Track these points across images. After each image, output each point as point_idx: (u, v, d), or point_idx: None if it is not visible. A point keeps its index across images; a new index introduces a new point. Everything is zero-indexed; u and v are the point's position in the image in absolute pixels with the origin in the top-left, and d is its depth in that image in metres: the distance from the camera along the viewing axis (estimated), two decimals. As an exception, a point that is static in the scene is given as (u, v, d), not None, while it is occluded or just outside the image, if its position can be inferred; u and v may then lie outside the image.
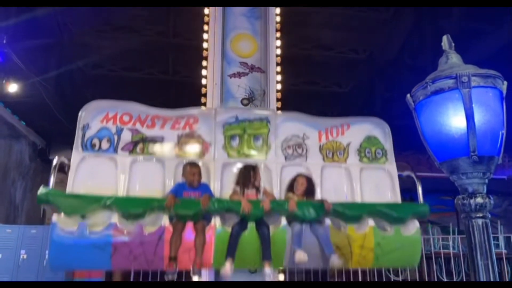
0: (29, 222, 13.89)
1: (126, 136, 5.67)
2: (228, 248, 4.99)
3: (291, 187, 5.59)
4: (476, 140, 2.88)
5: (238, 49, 7.07)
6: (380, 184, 6.05)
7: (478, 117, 2.92)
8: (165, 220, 5.14)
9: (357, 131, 6.28)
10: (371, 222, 5.53)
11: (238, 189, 5.40)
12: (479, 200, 2.89)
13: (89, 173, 5.43)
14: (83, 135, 5.60)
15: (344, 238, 5.40)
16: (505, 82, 2.98)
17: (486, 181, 2.92)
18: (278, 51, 7.08)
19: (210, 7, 7.17)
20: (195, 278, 5.26)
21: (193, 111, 5.99)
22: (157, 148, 5.72)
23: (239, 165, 5.66)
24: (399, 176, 6.07)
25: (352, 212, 5.52)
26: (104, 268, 5.39)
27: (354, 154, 6.19)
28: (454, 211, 17.80)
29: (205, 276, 5.89)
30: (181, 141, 5.79)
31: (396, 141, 14.22)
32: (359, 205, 5.68)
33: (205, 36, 7.04)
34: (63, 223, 5.01)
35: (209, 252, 5.15)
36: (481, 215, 2.88)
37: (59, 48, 12.21)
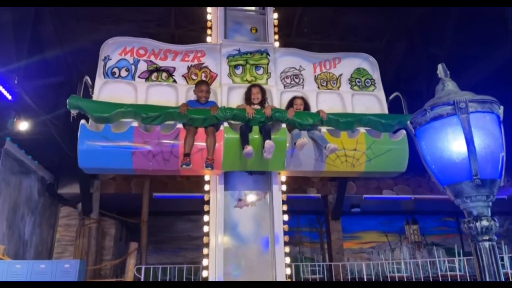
0: (38, 257, 14.24)
1: (142, 66, 6.67)
2: (241, 140, 5.91)
3: (289, 107, 6.43)
4: (477, 164, 2.91)
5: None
6: (370, 107, 6.93)
7: (478, 142, 2.95)
8: (179, 126, 6.06)
9: (348, 64, 7.25)
10: (362, 129, 6.42)
11: (244, 104, 6.40)
12: (485, 223, 2.88)
13: (110, 95, 6.33)
14: (105, 65, 6.59)
15: (339, 143, 6.22)
16: (501, 107, 3.09)
17: (490, 203, 2.97)
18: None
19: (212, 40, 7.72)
20: (209, 171, 6.11)
21: (201, 45, 7.05)
22: (169, 77, 6.67)
23: (244, 87, 6.59)
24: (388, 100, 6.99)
25: (344, 119, 6.36)
26: (126, 168, 5.97)
27: (346, 83, 7.11)
28: (457, 233, 18.13)
29: (216, 181, 6.31)
30: (190, 71, 6.77)
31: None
32: (351, 114, 6.58)
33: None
34: (90, 127, 5.95)
35: (219, 155, 6.04)
36: (487, 237, 2.87)
37: (68, 86, 12.71)
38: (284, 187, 6.68)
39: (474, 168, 2.91)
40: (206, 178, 6.65)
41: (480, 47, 11.46)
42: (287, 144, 6.15)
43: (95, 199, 15.55)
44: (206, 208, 6.51)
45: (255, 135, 6.08)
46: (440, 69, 3.35)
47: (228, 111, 6.10)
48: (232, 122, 6.22)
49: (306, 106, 6.61)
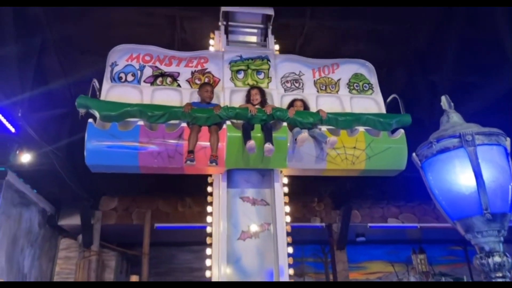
0: (37, 291, 14.29)
1: (148, 72, 7.11)
2: (244, 136, 6.26)
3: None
4: (487, 197, 2.90)
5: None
6: (369, 109, 7.29)
7: (487, 175, 2.95)
8: (183, 124, 6.46)
9: (346, 69, 7.68)
10: (361, 128, 6.81)
11: (245, 103, 6.83)
12: (497, 259, 2.86)
13: (117, 98, 6.72)
14: (112, 70, 7.05)
15: (339, 140, 6.56)
16: (508, 139, 3.10)
17: (502, 238, 2.96)
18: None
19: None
20: (213, 168, 6.44)
21: (204, 52, 7.53)
22: (174, 81, 7.10)
23: (246, 90, 7.00)
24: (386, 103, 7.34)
25: (343, 118, 6.79)
26: (132, 165, 6.26)
27: (344, 87, 7.51)
28: (465, 262, 18.08)
29: (219, 180, 6.62)
30: (194, 76, 7.23)
31: (401, 193, 14.93)
32: (350, 113, 6.98)
33: None
34: (97, 125, 6.32)
35: (222, 153, 6.41)
36: (501, 274, 2.84)
37: (71, 118, 12.61)
38: (288, 218, 6.70)
39: (484, 202, 2.92)
40: (208, 209, 6.79)
41: (480, 74, 11.73)
42: (288, 143, 6.51)
43: (95, 230, 15.67)
44: (208, 240, 6.54)
45: (257, 133, 6.42)
46: (444, 101, 3.42)
47: (230, 110, 6.50)
48: (235, 121, 6.59)
49: (306, 108, 7.00)
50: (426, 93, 12.45)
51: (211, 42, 8.18)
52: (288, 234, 6.52)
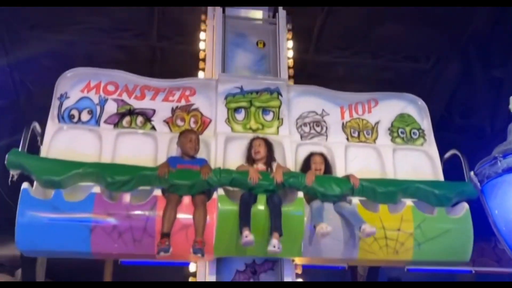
0: None
1: (111, 108, 6.40)
2: (240, 218, 5.49)
3: (304, 169, 6.15)
4: None
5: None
6: (418, 167, 6.62)
7: None
8: (156, 192, 5.66)
9: (387, 108, 7.01)
10: (409, 202, 6.01)
11: (246, 165, 6.06)
12: None
13: (66, 146, 6.05)
14: (60, 105, 6.31)
15: (377, 220, 5.80)
16: None
17: None
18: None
19: (207, 60, 7.75)
20: (197, 258, 5.86)
21: (190, 81, 6.79)
22: (146, 122, 6.41)
23: (247, 139, 6.29)
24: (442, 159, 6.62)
25: (384, 189, 5.97)
26: (82, 251, 5.59)
27: (385, 134, 6.83)
28: (535, 318, 17.41)
29: (205, 269, 6.20)
30: (175, 115, 6.48)
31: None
32: (393, 181, 6.21)
33: None
34: (35, 192, 5.53)
35: (210, 234, 5.58)
36: None
37: (14, 112, 12.54)
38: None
39: None
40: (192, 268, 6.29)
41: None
42: (305, 221, 5.73)
43: (40, 264, 15.02)
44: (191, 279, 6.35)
45: (260, 205, 5.68)
46: (513, 104, 2.73)
47: (224, 175, 5.73)
48: (230, 187, 5.85)
49: (328, 166, 6.31)
50: (487, 92, 12.27)
51: (202, 35, 7.87)
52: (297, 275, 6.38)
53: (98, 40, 11.87)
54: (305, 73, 10.08)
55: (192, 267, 6.41)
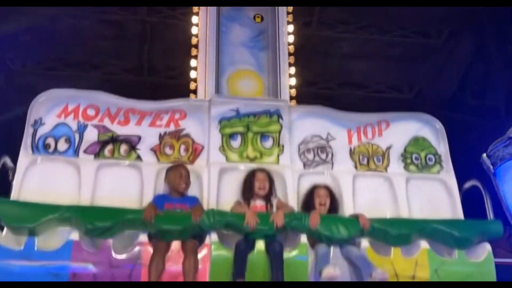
0: None
1: (91, 135, 6.15)
2: (234, 269, 5.26)
3: (307, 204, 5.91)
4: None
5: (237, 91, 7.23)
6: (434, 199, 6.36)
7: None
8: (142, 239, 5.41)
9: (400, 130, 6.74)
10: (424, 244, 5.76)
11: (242, 201, 5.79)
12: None
13: (41, 181, 5.82)
14: (34, 133, 6.03)
15: (388, 265, 5.56)
16: None
17: None
18: (292, 92, 7.34)
19: (200, 35, 7.57)
20: None
21: (180, 103, 6.52)
22: (131, 151, 6.14)
23: (244, 170, 6.06)
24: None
25: (397, 231, 5.71)
26: None
27: (397, 161, 6.57)
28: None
29: None
30: (164, 142, 6.21)
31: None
32: (407, 222, 5.97)
33: (192, 74, 7.38)
34: (4, 240, 5.28)
35: (203, 280, 5.39)
36: None
37: None
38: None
39: None
40: None
41: None
42: (309, 268, 5.47)
43: None
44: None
45: (258, 251, 5.44)
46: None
47: (217, 218, 5.44)
48: (225, 231, 5.62)
49: (334, 199, 5.99)
50: (503, 71, 12.01)
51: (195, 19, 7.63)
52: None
53: (82, 13, 11.52)
54: (306, 50, 9.70)
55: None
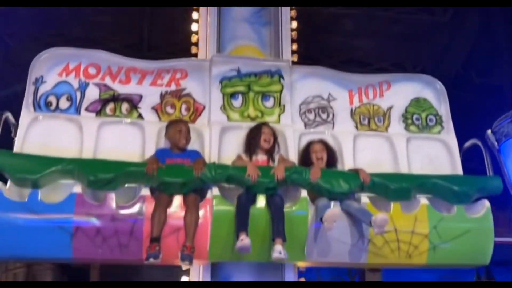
0: None
1: (92, 93, 6.15)
2: (236, 222, 5.32)
3: (305, 160, 5.98)
4: None
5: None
6: (435, 158, 6.41)
7: None
8: (144, 192, 5.47)
9: (401, 91, 6.74)
10: (424, 200, 5.83)
11: (243, 156, 5.86)
12: None
13: (43, 138, 5.84)
14: (36, 91, 6.04)
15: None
16: None
17: None
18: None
19: (201, 10, 7.61)
20: (185, 267, 5.68)
21: (181, 62, 6.52)
22: (133, 109, 6.17)
23: (245, 127, 6.11)
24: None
25: (397, 185, 5.76)
26: (62, 256, 5.50)
27: (398, 121, 6.61)
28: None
29: (199, 272, 6.14)
30: (165, 101, 6.24)
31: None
32: (407, 176, 6.02)
33: (193, 49, 7.44)
34: (8, 193, 5.32)
35: (204, 236, 5.42)
36: None
37: None
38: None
39: None
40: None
41: None
42: (309, 222, 5.52)
43: None
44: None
45: (259, 205, 5.51)
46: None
47: (219, 171, 5.50)
48: (226, 185, 5.66)
49: (331, 155, 6.07)
50: (509, 49, 12.15)
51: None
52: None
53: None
54: (309, 26, 9.70)
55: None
